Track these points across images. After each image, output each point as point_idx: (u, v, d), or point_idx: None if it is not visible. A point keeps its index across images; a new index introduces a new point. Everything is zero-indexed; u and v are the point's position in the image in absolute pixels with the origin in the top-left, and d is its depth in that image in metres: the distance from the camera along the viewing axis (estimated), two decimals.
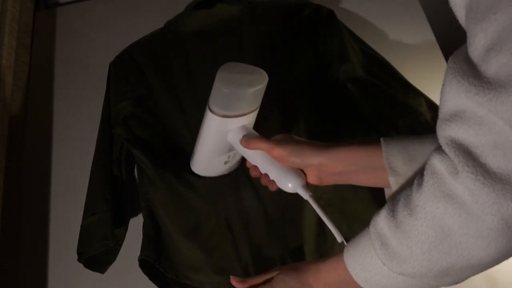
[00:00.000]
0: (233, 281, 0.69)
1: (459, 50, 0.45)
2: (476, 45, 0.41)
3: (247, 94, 0.66)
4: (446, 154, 0.45)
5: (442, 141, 0.46)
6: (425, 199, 0.48)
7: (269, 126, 0.80)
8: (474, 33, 0.41)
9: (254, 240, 0.75)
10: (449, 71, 0.44)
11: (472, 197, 0.43)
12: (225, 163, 0.75)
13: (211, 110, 0.67)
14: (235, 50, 0.90)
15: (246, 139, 0.68)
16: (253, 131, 0.70)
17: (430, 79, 0.81)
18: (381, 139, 0.61)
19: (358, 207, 0.76)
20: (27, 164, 0.91)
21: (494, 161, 0.42)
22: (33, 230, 0.85)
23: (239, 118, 0.68)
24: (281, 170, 0.65)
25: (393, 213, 0.51)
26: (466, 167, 0.43)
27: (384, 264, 0.53)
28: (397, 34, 0.97)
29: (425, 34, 0.96)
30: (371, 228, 0.54)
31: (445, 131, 0.45)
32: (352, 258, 0.57)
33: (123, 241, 0.79)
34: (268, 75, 0.68)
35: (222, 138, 0.70)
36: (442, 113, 0.45)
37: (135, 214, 0.83)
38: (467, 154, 0.43)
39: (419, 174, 0.50)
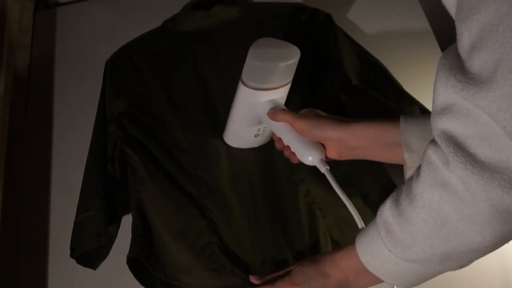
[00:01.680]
0: (252, 279, 0.71)
1: (451, 46, 0.48)
2: (463, 42, 0.44)
3: (279, 68, 0.67)
4: (439, 145, 0.48)
5: (435, 133, 0.48)
6: (422, 188, 0.51)
7: None
8: (461, 31, 0.44)
9: (240, 243, 0.76)
10: (439, 67, 0.47)
11: (463, 185, 0.46)
12: (255, 136, 0.77)
13: (243, 83, 0.69)
14: (233, 51, 0.90)
15: (273, 111, 0.71)
16: (283, 105, 0.73)
17: (430, 81, 0.81)
18: (401, 116, 0.63)
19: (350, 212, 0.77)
20: (27, 164, 0.91)
21: (481, 151, 0.44)
22: (33, 230, 0.85)
23: (270, 92, 0.70)
24: (302, 143, 0.68)
25: (396, 202, 0.55)
26: (456, 157, 0.45)
27: (390, 251, 0.55)
28: (396, 36, 0.97)
29: (425, 36, 0.96)
30: (378, 217, 0.57)
31: (437, 124, 0.47)
32: (362, 246, 0.60)
33: (115, 237, 0.80)
34: None
35: (253, 110, 0.72)
36: (434, 106, 0.48)
37: (128, 211, 0.83)
38: (457, 145, 0.46)
39: (419, 165, 0.52)
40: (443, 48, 0.93)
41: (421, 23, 0.98)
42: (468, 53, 0.43)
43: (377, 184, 0.79)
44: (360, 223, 0.65)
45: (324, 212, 0.76)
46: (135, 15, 1.05)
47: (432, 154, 0.49)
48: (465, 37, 0.43)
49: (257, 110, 0.72)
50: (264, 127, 0.76)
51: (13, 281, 0.81)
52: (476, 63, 0.42)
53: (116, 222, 0.80)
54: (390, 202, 0.56)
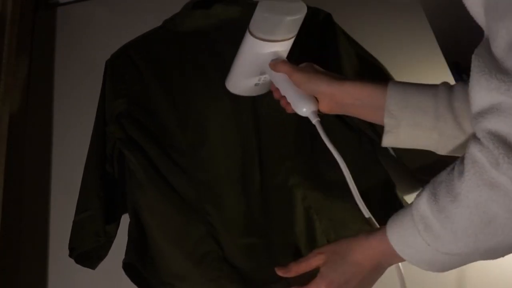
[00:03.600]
0: (278, 270, 0.70)
1: (480, 48, 0.47)
2: (499, 42, 0.43)
3: (285, 21, 0.70)
4: (485, 144, 0.47)
5: (479, 133, 0.47)
6: (467, 187, 0.49)
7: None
8: (495, 30, 0.43)
9: (239, 249, 0.75)
10: (475, 70, 0.46)
11: None
12: (255, 85, 0.79)
13: (250, 33, 0.72)
14: (233, 51, 0.89)
15: (275, 62, 0.73)
16: (285, 58, 0.75)
17: (430, 81, 0.81)
18: (390, 82, 0.66)
19: (345, 215, 0.77)
20: (27, 164, 0.91)
21: None
22: (33, 230, 0.85)
23: (274, 43, 0.73)
24: (297, 94, 0.71)
25: (435, 197, 0.53)
26: (507, 158, 0.44)
27: (429, 245, 0.55)
28: (396, 36, 0.97)
29: (425, 36, 0.96)
30: (414, 210, 0.56)
31: (482, 124, 0.46)
32: (395, 237, 0.59)
33: (115, 237, 0.80)
34: None
35: (256, 60, 0.75)
36: (475, 108, 0.47)
37: (127, 211, 0.83)
38: (506, 145, 0.44)
39: (460, 161, 0.52)
40: (443, 48, 0.93)
41: (421, 23, 0.98)
42: (507, 52, 0.42)
43: (375, 182, 0.79)
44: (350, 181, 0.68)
45: (320, 216, 0.76)
46: (135, 15, 1.05)
47: (478, 153, 0.48)
48: (501, 36, 0.42)
49: (260, 60, 0.75)
50: (265, 77, 0.78)
51: (13, 281, 0.81)
52: None
53: (115, 222, 0.80)
54: (427, 196, 0.55)
